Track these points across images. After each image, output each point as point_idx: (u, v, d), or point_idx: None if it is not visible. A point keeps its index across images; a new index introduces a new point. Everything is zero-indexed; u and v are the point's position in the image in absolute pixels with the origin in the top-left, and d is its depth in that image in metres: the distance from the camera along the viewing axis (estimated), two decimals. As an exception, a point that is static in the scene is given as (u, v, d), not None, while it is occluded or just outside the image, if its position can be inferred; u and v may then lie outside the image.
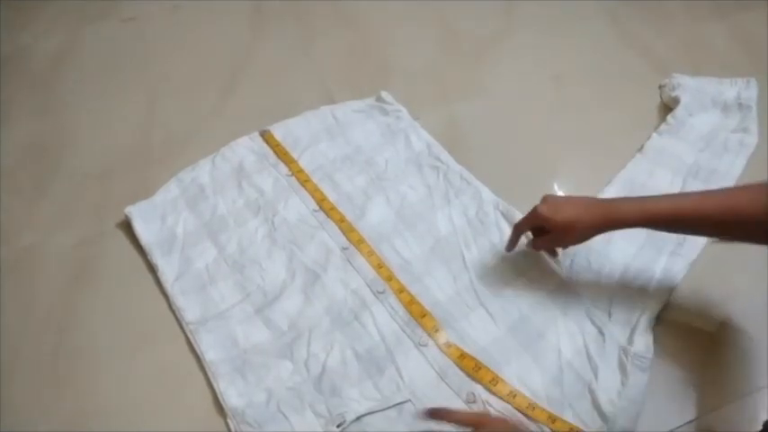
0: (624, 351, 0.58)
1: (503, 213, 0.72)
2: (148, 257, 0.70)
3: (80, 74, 0.98)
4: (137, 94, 0.94)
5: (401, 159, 0.80)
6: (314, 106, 0.88)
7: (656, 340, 0.60)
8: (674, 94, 0.85)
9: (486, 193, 0.74)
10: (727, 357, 0.61)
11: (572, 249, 0.66)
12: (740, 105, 0.83)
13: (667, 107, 0.86)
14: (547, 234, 0.61)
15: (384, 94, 0.87)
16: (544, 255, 0.67)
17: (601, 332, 0.60)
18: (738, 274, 0.67)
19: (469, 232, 0.71)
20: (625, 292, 0.63)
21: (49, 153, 0.86)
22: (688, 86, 0.86)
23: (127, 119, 0.90)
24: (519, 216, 0.70)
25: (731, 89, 0.86)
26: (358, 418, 0.55)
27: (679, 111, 0.83)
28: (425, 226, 0.72)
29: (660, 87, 0.89)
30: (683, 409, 0.57)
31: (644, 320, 0.61)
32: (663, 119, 0.83)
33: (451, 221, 0.72)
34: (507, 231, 0.69)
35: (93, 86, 0.96)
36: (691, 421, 0.56)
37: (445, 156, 0.79)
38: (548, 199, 0.60)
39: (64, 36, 1.05)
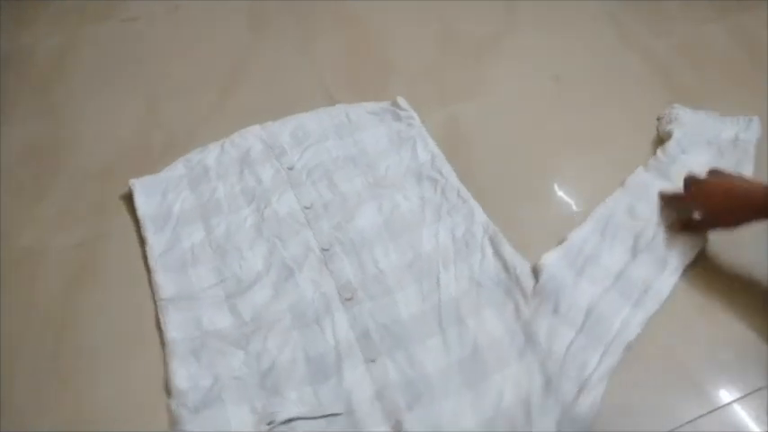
0: (565, 411, 0.56)
1: (490, 238, 0.70)
2: (141, 231, 0.71)
3: (80, 74, 0.98)
4: (137, 94, 0.94)
5: (402, 168, 0.79)
6: (314, 106, 0.87)
7: (656, 339, 0.61)
8: (668, 129, 0.80)
9: (479, 215, 0.72)
10: (727, 357, 0.61)
11: (543, 289, 0.64)
12: (736, 146, 0.78)
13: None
14: None
15: (400, 100, 0.86)
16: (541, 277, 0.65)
17: (548, 386, 0.58)
18: (738, 274, 0.67)
19: (451, 253, 0.69)
20: (583, 342, 0.60)
21: (49, 153, 0.85)
22: (685, 121, 0.81)
23: (127, 119, 0.90)
24: (506, 243, 0.68)
25: (730, 128, 0.80)
26: (288, 421, 0.56)
27: (671, 146, 0.78)
28: (409, 239, 0.71)
29: (658, 120, 0.84)
30: (683, 409, 0.57)
31: (595, 377, 0.58)
32: (663, 119, 0.83)
33: (436, 238, 0.70)
34: (491, 256, 0.68)
35: (93, 86, 0.95)
36: (691, 421, 0.56)
37: (447, 169, 0.77)
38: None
39: (64, 36, 1.05)
